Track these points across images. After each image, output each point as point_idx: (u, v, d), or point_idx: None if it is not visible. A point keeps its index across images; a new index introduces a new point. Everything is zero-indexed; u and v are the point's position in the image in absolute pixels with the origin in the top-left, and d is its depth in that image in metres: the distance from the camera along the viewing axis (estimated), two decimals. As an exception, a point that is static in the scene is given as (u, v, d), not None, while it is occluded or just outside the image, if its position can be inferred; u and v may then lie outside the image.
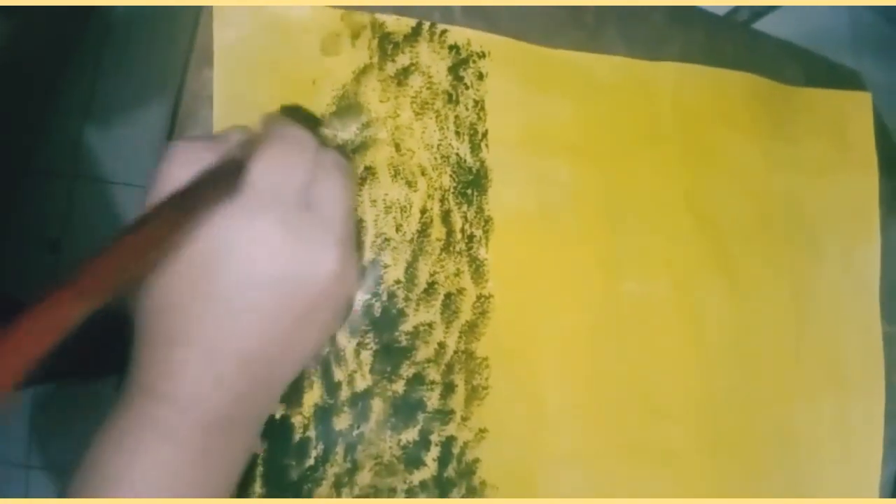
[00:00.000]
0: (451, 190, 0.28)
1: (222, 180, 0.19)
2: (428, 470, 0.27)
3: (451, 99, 0.29)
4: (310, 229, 0.19)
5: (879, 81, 0.46)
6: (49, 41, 0.76)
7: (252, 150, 0.19)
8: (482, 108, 0.29)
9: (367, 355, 0.26)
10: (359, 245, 0.25)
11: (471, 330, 0.28)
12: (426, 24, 0.29)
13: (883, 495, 0.36)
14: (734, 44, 0.37)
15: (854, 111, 0.39)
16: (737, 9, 0.48)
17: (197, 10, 0.26)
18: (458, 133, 0.29)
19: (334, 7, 0.27)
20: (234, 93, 0.26)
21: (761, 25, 0.42)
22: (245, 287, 0.19)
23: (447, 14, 0.29)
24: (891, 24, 1.08)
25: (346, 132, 0.27)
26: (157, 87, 0.82)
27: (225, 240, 0.18)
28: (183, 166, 0.19)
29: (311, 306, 0.20)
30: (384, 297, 0.27)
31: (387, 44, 0.28)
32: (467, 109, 0.29)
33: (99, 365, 0.70)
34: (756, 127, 0.36)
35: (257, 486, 0.24)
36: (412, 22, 0.28)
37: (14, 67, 0.67)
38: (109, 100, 0.84)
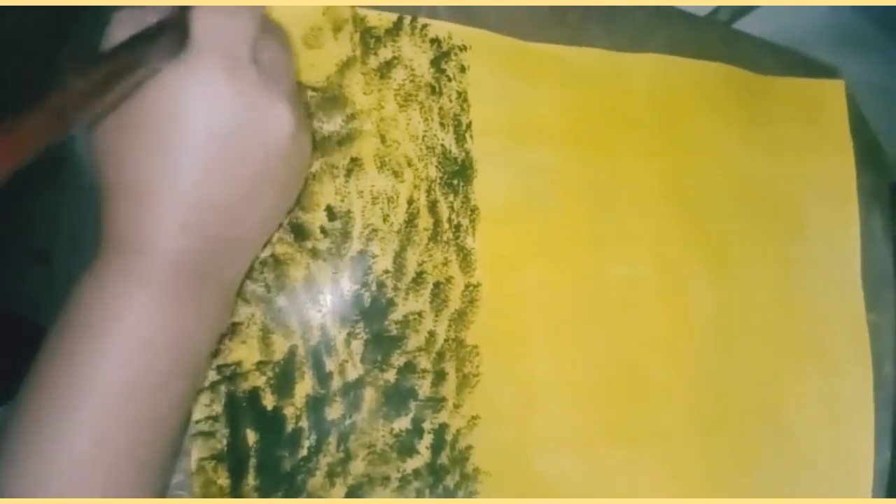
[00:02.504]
0: (438, 180, 0.29)
1: (165, 36, 0.19)
2: (421, 458, 0.27)
3: (435, 91, 0.29)
4: (259, 82, 0.19)
5: (859, 78, 0.47)
6: (34, 50, 0.76)
7: (194, 6, 0.19)
8: (465, 100, 0.30)
9: (357, 345, 0.26)
10: (307, 114, 0.25)
11: (460, 318, 0.28)
12: (407, 19, 0.29)
13: (879, 481, 0.36)
14: (714, 41, 0.37)
15: (828, 98, 0.40)
16: (717, 9, 0.49)
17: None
18: (442, 124, 0.29)
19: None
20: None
21: (741, 25, 0.43)
22: (200, 136, 0.19)
23: (432, 13, 0.29)
24: (870, 21, 1.10)
25: (331, 123, 0.27)
26: None
27: (176, 92, 0.19)
28: (127, 27, 0.19)
29: (269, 161, 0.20)
30: (373, 287, 0.27)
31: (369, 38, 0.28)
32: (451, 101, 0.29)
33: None
34: (733, 115, 0.36)
35: (251, 478, 0.24)
36: (393, 17, 0.29)
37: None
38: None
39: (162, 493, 0.22)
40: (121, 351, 0.19)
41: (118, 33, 0.19)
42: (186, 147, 0.19)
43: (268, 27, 0.21)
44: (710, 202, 0.35)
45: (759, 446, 0.34)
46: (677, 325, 0.33)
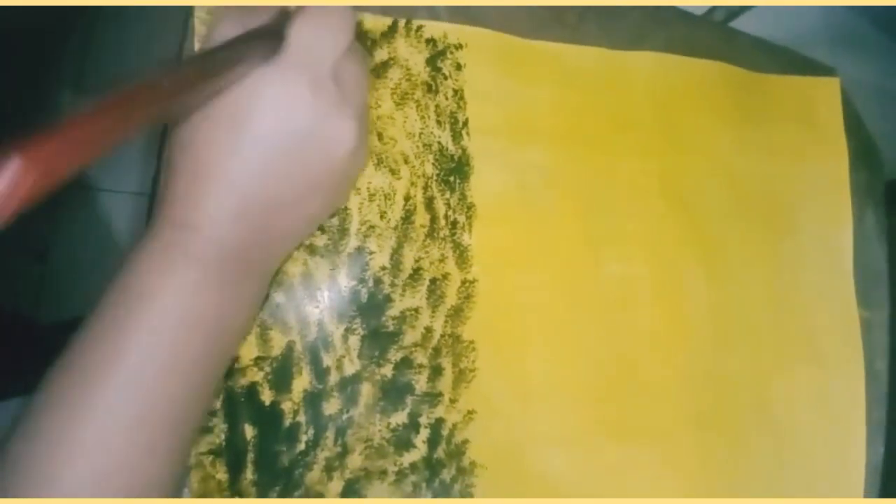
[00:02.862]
0: (434, 177, 0.29)
1: (263, 40, 0.20)
2: (418, 452, 0.27)
3: (431, 89, 0.29)
4: (336, 99, 0.21)
5: (855, 77, 0.48)
6: (33, 48, 0.76)
7: (296, 18, 0.21)
8: (461, 98, 0.30)
9: (354, 340, 0.27)
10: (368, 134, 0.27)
11: (456, 314, 0.29)
12: (402, 22, 0.29)
13: (871, 476, 0.37)
14: (711, 39, 0.38)
15: (823, 96, 0.40)
16: (713, 9, 0.49)
17: (187, 12, 0.26)
18: (439, 122, 0.29)
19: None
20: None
21: (737, 25, 0.43)
22: (272, 136, 0.20)
23: (433, 14, 0.30)
24: (867, 21, 1.11)
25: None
26: None
27: (259, 91, 0.20)
28: (233, 26, 0.20)
29: (326, 170, 0.22)
30: (370, 284, 0.27)
31: (364, 41, 0.28)
32: (447, 99, 0.30)
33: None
34: (728, 113, 0.37)
35: (249, 473, 0.24)
36: (388, 20, 0.29)
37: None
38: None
39: (183, 474, 0.22)
40: (163, 321, 0.19)
41: (223, 31, 0.20)
42: (255, 142, 0.20)
43: (352, 46, 0.22)
44: (705, 201, 0.35)
45: (752, 442, 0.34)
46: (672, 323, 0.33)
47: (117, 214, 0.83)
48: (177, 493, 0.23)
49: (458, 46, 0.30)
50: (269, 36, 0.20)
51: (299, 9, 0.21)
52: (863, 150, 0.41)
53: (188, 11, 0.26)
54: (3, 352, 0.57)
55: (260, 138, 0.20)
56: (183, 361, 0.20)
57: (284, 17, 0.21)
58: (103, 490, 0.18)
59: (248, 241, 0.21)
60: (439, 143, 0.29)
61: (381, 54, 0.28)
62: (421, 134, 0.29)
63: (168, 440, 0.20)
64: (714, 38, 0.38)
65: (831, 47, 1.03)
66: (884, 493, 0.37)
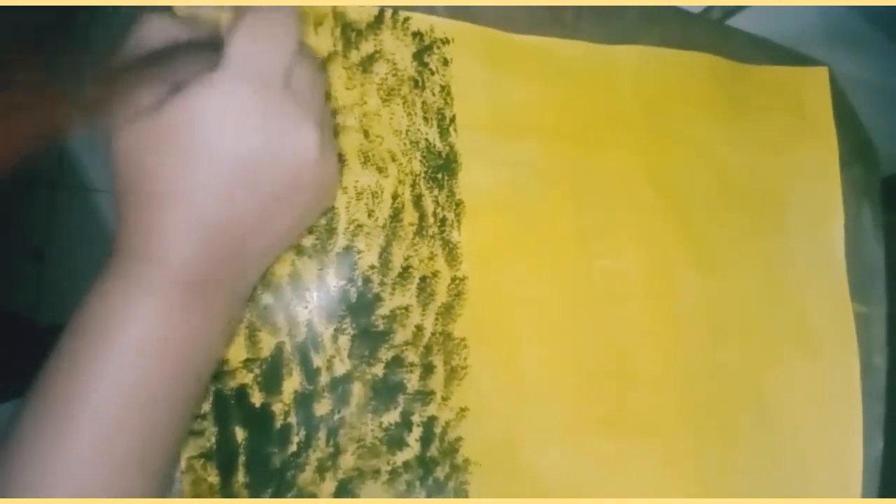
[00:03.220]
0: (422, 174, 0.29)
1: (200, 50, 0.19)
2: (411, 450, 0.27)
3: (418, 85, 0.29)
4: (290, 109, 0.20)
5: (852, 75, 0.47)
6: (29, 49, 0.76)
7: (233, 27, 0.19)
8: (448, 94, 0.30)
9: (344, 340, 0.27)
10: (335, 137, 0.26)
11: (447, 312, 0.29)
12: (388, 12, 0.29)
13: (870, 471, 0.37)
14: (704, 36, 0.37)
15: (811, 85, 0.40)
16: (709, 9, 0.49)
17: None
18: (426, 118, 0.29)
19: None
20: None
21: (733, 23, 0.43)
22: (223, 153, 0.19)
23: (431, 13, 0.29)
24: (863, 19, 1.10)
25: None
26: None
27: (201, 107, 0.19)
28: (156, 33, 0.19)
29: (290, 183, 0.21)
30: (359, 283, 0.27)
31: (350, 32, 0.28)
32: (434, 95, 0.29)
33: None
34: (716, 105, 0.36)
35: (240, 475, 0.24)
36: (374, 10, 0.28)
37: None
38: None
39: (165, 496, 0.22)
40: (123, 356, 0.19)
41: (145, 37, 0.19)
42: (207, 162, 0.19)
43: (303, 51, 0.21)
44: (694, 193, 0.35)
45: (747, 434, 0.34)
46: (664, 316, 0.33)
47: (115, 215, 0.83)
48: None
49: (445, 41, 0.30)
50: (204, 48, 0.19)
51: (236, 16, 0.20)
52: (858, 146, 0.41)
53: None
54: (1, 354, 0.57)
55: (211, 157, 0.19)
56: (150, 389, 0.19)
57: (219, 30, 0.20)
58: None
59: (212, 263, 0.20)
60: (426, 140, 0.29)
61: (366, 47, 0.28)
62: (408, 131, 0.29)
63: (138, 473, 0.19)
64: (707, 34, 0.38)
65: (828, 46, 1.02)
66: (883, 489, 0.37)
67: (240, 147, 0.19)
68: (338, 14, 0.28)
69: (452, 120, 0.30)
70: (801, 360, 0.37)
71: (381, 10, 0.29)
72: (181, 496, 0.24)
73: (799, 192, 0.38)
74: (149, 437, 0.20)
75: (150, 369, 0.19)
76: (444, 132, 0.29)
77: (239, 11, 0.20)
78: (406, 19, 0.29)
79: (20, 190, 0.79)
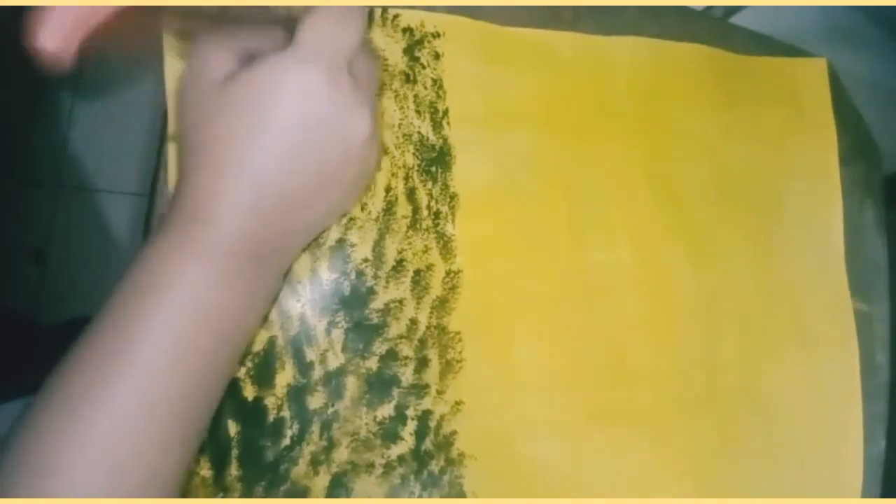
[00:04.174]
0: (415, 168, 0.29)
1: (275, 26, 0.20)
2: (405, 444, 0.27)
3: (409, 79, 0.29)
4: (351, 91, 0.21)
5: (854, 73, 0.47)
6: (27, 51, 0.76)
7: (307, 13, 0.21)
8: (441, 87, 0.30)
9: (338, 334, 0.26)
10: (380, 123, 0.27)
11: (442, 305, 0.28)
12: (378, 10, 0.29)
13: (871, 469, 0.36)
14: (701, 31, 0.37)
15: (809, 77, 0.40)
16: (709, 8, 0.49)
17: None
18: (418, 112, 0.29)
19: None
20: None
21: (735, 21, 0.42)
22: (292, 127, 0.20)
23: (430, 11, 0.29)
24: (864, 17, 1.09)
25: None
26: (141, 93, 0.82)
27: (275, 82, 0.20)
28: (223, 52, 0.21)
29: (344, 161, 0.22)
30: (353, 276, 0.27)
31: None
32: (426, 88, 0.29)
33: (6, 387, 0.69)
34: (712, 96, 0.36)
35: (233, 469, 0.24)
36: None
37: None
38: (92, 107, 0.84)
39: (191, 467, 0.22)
40: (176, 317, 0.19)
41: (208, 56, 0.21)
42: (273, 134, 0.20)
43: (366, 45, 0.22)
44: (690, 186, 0.35)
45: (744, 428, 0.34)
46: (659, 309, 0.33)
47: (116, 215, 0.83)
48: (185, 485, 0.23)
49: (436, 35, 0.30)
50: (278, 26, 0.21)
51: (309, 8, 0.21)
52: (859, 142, 0.41)
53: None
54: (1, 354, 0.57)
55: (281, 129, 0.20)
56: (195, 355, 0.20)
57: (286, 29, 0.21)
58: (113, 482, 0.18)
59: (259, 235, 0.21)
60: (419, 133, 0.29)
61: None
62: (400, 125, 0.29)
63: (180, 433, 0.20)
64: (704, 28, 0.38)
65: (829, 44, 1.02)
66: (886, 489, 0.37)
67: (304, 125, 0.20)
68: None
69: (445, 113, 0.30)
70: (798, 355, 0.36)
71: (371, 9, 0.29)
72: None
73: (796, 184, 0.38)
74: (190, 405, 0.20)
75: (198, 334, 0.20)
76: (437, 125, 0.29)
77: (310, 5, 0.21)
78: (396, 16, 0.29)
79: (19, 190, 0.79)
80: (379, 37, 0.29)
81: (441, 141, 0.29)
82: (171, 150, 0.25)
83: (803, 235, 0.38)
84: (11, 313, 0.69)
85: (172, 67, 0.25)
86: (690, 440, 0.33)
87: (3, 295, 0.77)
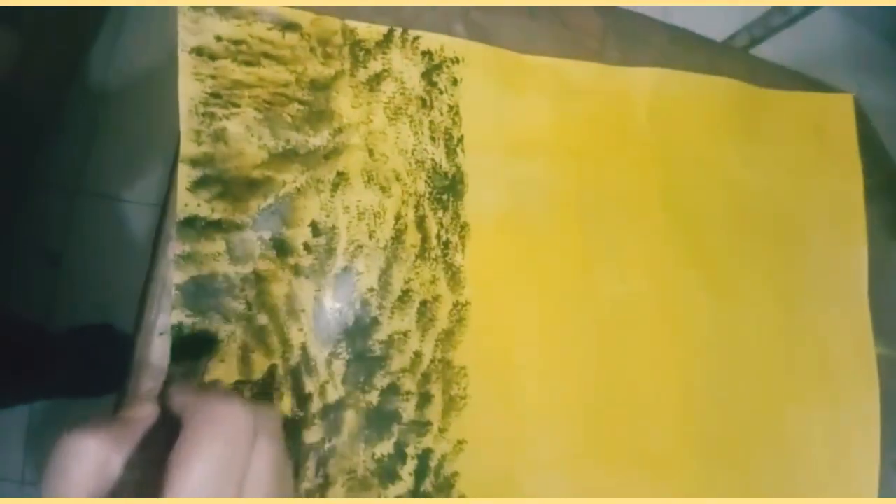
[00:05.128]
0: (427, 195, 0.28)
1: (146, 477, 0.17)
2: (404, 484, 0.26)
3: (426, 104, 0.28)
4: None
5: (880, 104, 0.45)
6: (55, 56, 0.78)
7: (179, 447, 0.16)
8: (457, 113, 0.29)
9: (339, 365, 0.26)
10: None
11: (447, 338, 0.27)
12: (398, 31, 0.28)
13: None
14: (729, 65, 0.36)
15: (835, 112, 0.38)
16: (734, 36, 0.48)
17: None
18: (433, 138, 0.28)
19: (303, 7, 0.27)
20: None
21: (758, 51, 0.41)
22: None
23: (451, 32, 0.29)
24: (888, 45, 1.07)
25: (318, 137, 0.26)
26: (161, 103, 0.83)
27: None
28: (77, 460, 0.17)
29: None
30: (357, 306, 0.26)
31: (358, 50, 0.27)
32: (442, 114, 0.29)
33: (95, 384, 0.70)
34: (733, 128, 0.35)
35: None
36: (384, 29, 0.28)
37: (19, 82, 0.68)
38: (113, 115, 0.85)
39: None
40: None
41: (65, 468, 0.17)
42: None
43: (263, 441, 0.18)
44: (708, 218, 0.34)
45: (759, 471, 0.32)
46: (673, 346, 0.32)
47: (132, 224, 0.84)
48: None
49: (455, 60, 0.29)
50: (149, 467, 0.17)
51: (192, 401, 0.18)
52: (887, 180, 0.39)
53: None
54: (15, 358, 0.57)
55: None
56: None
57: (158, 441, 0.18)
58: None
59: None
60: (433, 160, 0.28)
61: (375, 65, 0.28)
62: (414, 150, 0.28)
63: None
64: (729, 61, 0.37)
65: (854, 73, 1.00)
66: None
67: None
68: (347, 32, 0.27)
69: (460, 140, 0.29)
70: (818, 396, 0.35)
71: (391, 28, 0.28)
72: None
73: (820, 221, 0.37)
74: None
75: None
76: (451, 152, 0.29)
77: (184, 410, 0.18)
78: (416, 38, 0.29)
79: (37, 195, 0.81)
80: (398, 58, 0.28)
81: (454, 168, 0.29)
82: (182, 171, 0.24)
83: (826, 274, 0.37)
84: (25, 319, 0.69)
85: (186, 87, 0.25)
86: (703, 483, 0.31)
87: (19, 299, 0.78)
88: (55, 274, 0.80)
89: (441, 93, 0.29)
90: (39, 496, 0.75)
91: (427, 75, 0.28)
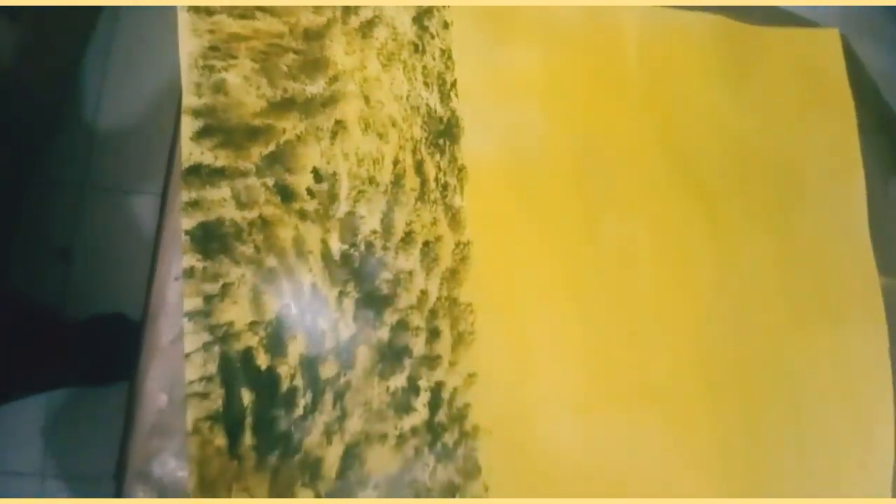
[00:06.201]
0: (423, 140, 0.29)
1: None
2: (419, 415, 0.27)
3: (418, 49, 0.29)
4: None
5: (880, 68, 0.45)
6: (57, 48, 0.78)
7: None
8: (449, 58, 0.29)
9: (349, 304, 0.26)
10: None
11: (452, 276, 0.28)
12: (387, -22, 0.29)
13: None
14: (716, 3, 0.36)
15: (824, 48, 0.39)
16: None
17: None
18: (426, 83, 0.29)
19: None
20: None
21: None
22: None
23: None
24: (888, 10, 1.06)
25: (314, 85, 0.27)
26: (166, 94, 0.83)
27: None
28: None
29: None
30: (362, 248, 0.27)
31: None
32: (434, 59, 0.29)
33: (109, 372, 0.71)
34: (724, 68, 0.36)
35: (248, 438, 0.24)
36: (373, -24, 0.29)
37: (23, 75, 0.69)
38: (119, 107, 0.86)
39: None
40: None
41: None
42: None
43: None
44: (705, 159, 0.34)
45: (767, 404, 0.33)
46: (677, 285, 0.32)
47: (142, 215, 0.85)
48: (200, 455, 0.22)
49: (446, 5, 0.30)
50: None
51: None
52: (881, 117, 0.40)
53: None
54: (28, 347, 0.59)
55: None
56: None
57: None
58: None
59: None
60: (427, 105, 0.29)
61: (365, 12, 0.28)
62: (408, 96, 0.29)
63: None
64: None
65: (855, 35, 0.99)
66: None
67: None
68: (336, -19, 0.28)
69: (453, 85, 0.29)
70: (825, 331, 0.35)
71: (380, -24, 0.29)
72: (188, 459, 0.24)
73: (816, 158, 0.37)
74: None
75: None
76: (444, 97, 0.29)
77: None
78: (404, -15, 0.29)
79: (46, 189, 0.82)
80: (388, 3, 0.29)
81: (449, 113, 0.29)
82: (185, 122, 0.25)
83: (825, 210, 0.37)
84: (38, 307, 0.71)
85: (186, 43, 0.25)
86: (714, 419, 0.32)
87: (30, 293, 0.79)
88: (66, 268, 0.81)
89: (433, 37, 0.29)
90: (63, 490, 0.76)
91: (418, 20, 0.29)
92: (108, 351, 0.70)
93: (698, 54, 0.35)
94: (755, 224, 0.35)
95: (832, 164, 0.38)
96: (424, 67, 0.29)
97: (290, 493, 0.24)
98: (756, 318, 0.34)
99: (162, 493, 0.23)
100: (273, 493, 0.24)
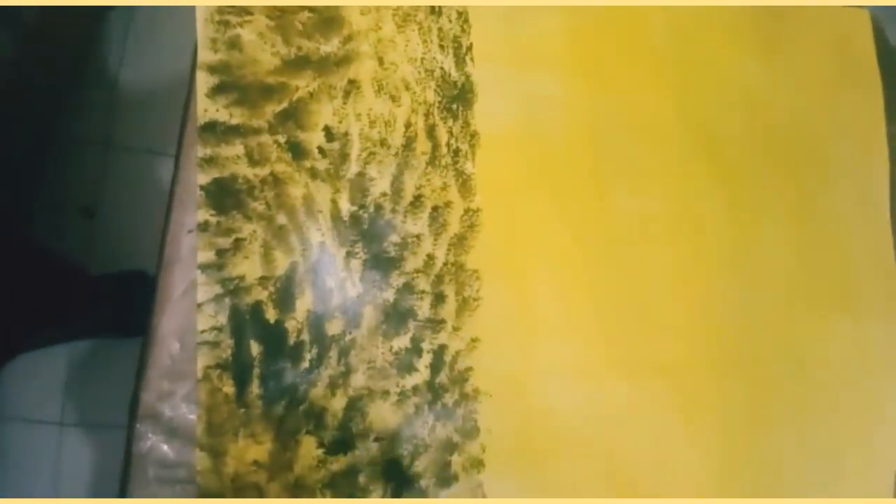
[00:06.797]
0: (436, 104, 0.29)
1: None
2: (420, 375, 0.27)
3: (434, 10, 0.29)
4: None
5: None
6: (80, 10, 0.79)
7: None
8: (466, 20, 0.29)
9: (356, 264, 0.27)
10: None
11: (460, 242, 0.28)
12: (406, -64, 0.28)
13: None
14: None
15: (853, 26, 0.37)
16: None
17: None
18: (442, 46, 0.29)
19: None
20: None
21: None
22: None
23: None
24: None
25: (329, 45, 0.27)
26: (188, 57, 0.83)
27: None
28: None
29: None
30: (371, 209, 0.27)
31: (366, -44, 0.28)
32: (450, 21, 0.29)
33: (130, 325, 0.73)
34: (753, 41, 0.34)
35: (255, 387, 0.25)
36: (391, -66, 0.28)
37: (45, 36, 0.69)
38: (140, 68, 0.86)
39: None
40: None
41: None
42: None
43: None
44: (727, 133, 0.33)
45: (777, 384, 0.33)
46: (692, 260, 0.32)
47: (161, 176, 0.86)
48: (209, 402, 0.23)
49: (462, -33, 0.29)
50: None
51: None
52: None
53: None
54: (51, 299, 0.61)
55: None
56: None
57: None
58: None
59: None
60: (442, 68, 0.29)
61: (381, -25, 0.28)
62: (423, 59, 0.28)
63: None
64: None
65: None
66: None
67: None
68: (353, -62, 0.28)
69: (469, 48, 0.29)
70: (839, 318, 0.35)
71: None
72: (198, 405, 0.25)
73: (841, 139, 0.36)
74: None
75: None
76: (460, 61, 0.29)
77: None
78: (423, -55, 0.29)
79: (70, 148, 0.83)
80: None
81: (463, 78, 0.29)
82: (200, 77, 0.25)
83: (848, 193, 0.36)
84: (60, 261, 0.73)
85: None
86: (718, 398, 0.32)
87: (55, 247, 0.82)
88: (89, 225, 0.83)
89: (449, -1, 0.29)
90: (79, 435, 0.80)
91: (434, -19, 0.29)
92: (128, 305, 0.72)
93: (728, 25, 0.34)
94: (775, 203, 0.34)
95: (857, 147, 0.37)
96: (440, 29, 0.29)
97: (294, 440, 0.25)
98: (770, 301, 0.33)
99: (171, 434, 0.24)
100: (278, 440, 0.25)
